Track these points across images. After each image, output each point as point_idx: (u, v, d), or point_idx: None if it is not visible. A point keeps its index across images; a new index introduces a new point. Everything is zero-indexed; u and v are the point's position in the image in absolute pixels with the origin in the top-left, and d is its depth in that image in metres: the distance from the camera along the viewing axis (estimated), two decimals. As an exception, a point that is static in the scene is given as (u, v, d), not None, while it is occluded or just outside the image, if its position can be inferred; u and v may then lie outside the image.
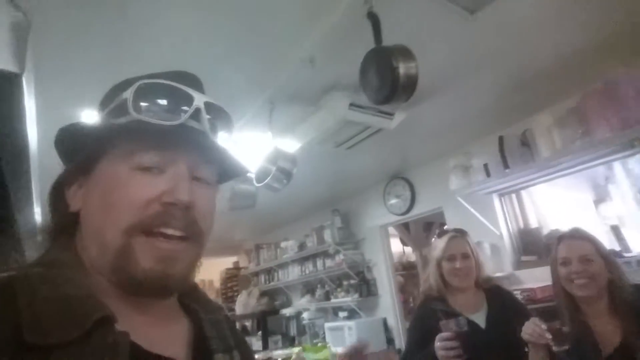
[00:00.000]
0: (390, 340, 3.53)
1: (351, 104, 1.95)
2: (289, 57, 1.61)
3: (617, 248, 2.22)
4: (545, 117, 2.17)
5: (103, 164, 0.49)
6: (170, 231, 0.46)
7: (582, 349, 1.21)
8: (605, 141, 1.97)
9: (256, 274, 5.60)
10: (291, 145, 2.22)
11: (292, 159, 1.85)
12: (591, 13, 1.62)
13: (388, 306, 3.70)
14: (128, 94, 0.48)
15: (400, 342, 3.46)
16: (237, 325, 5.52)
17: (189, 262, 0.49)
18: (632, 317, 1.21)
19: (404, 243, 5.46)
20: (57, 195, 0.52)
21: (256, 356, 4.06)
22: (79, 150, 0.50)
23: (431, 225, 4.85)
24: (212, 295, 7.35)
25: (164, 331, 0.50)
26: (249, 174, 1.97)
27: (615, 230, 2.29)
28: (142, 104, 0.48)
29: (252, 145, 2.09)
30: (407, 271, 5.17)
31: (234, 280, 6.24)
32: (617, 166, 2.54)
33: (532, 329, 1.24)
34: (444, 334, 1.36)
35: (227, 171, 0.56)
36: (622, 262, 2.02)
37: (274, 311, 5.06)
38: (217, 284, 6.99)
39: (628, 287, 1.27)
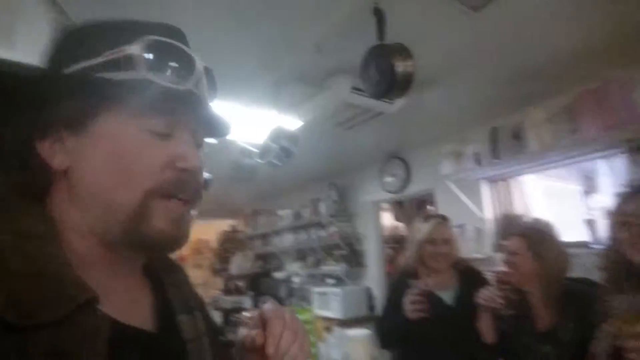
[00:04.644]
0: (372, 308, 3.78)
1: (353, 88, 2.03)
2: (298, 41, 1.68)
3: (590, 239, 2.39)
4: (538, 112, 2.25)
5: (103, 121, 0.45)
6: (184, 196, 0.47)
7: (522, 322, 1.43)
8: (593, 140, 2.07)
9: (252, 238, 5.83)
10: (294, 123, 2.31)
11: (294, 138, 1.96)
12: (590, 16, 1.67)
13: (374, 277, 3.93)
14: (136, 50, 0.44)
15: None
16: (231, 285, 5.83)
17: (190, 222, 0.50)
18: (563, 303, 1.38)
19: (396, 218, 5.66)
20: (25, 149, 0.45)
21: (246, 313, 4.35)
22: (61, 100, 0.44)
23: (424, 203, 5.00)
24: (208, 255, 7.64)
25: (133, 297, 0.50)
26: (252, 149, 2.08)
27: (590, 223, 2.44)
28: (152, 63, 0.44)
29: (257, 121, 2.18)
30: (398, 244, 5.39)
31: (230, 242, 6.48)
32: (603, 163, 2.66)
33: (487, 295, 1.45)
34: (412, 290, 1.57)
35: (212, 133, 0.55)
36: (588, 253, 2.21)
37: (267, 274, 5.32)
38: (213, 244, 7.25)
39: (559, 278, 1.43)
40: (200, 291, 0.62)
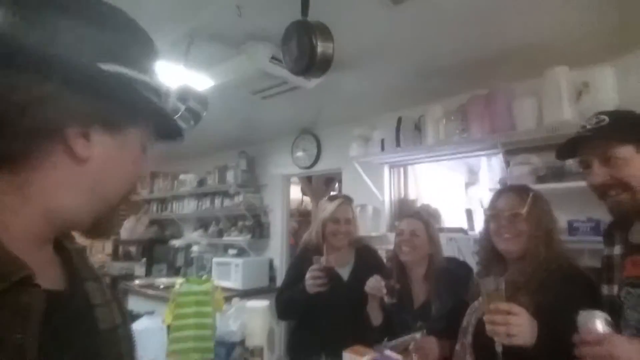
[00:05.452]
0: (272, 278, 3.87)
1: (273, 57, 1.96)
2: (217, -3, 1.54)
3: (466, 227, 2.74)
4: (437, 108, 2.47)
5: (131, 130, 0.52)
6: None
7: (402, 302, 1.58)
8: (477, 140, 2.35)
9: (148, 202, 5.42)
10: (205, 82, 2.15)
11: (204, 100, 1.82)
12: (491, 26, 1.84)
13: (277, 249, 3.99)
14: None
15: (282, 280, 3.81)
16: (121, 249, 5.38)
17: None
18: (436, 282, 1.59)
19: (304, 193, 5.78)
20: (50, 128, 0.44)
21: (137, 281, 4.11)
22: (105, 97, 0.46)
23: (331, 180, 5.19)
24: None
25: (53, 266, 0.53)
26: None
27: (468, 213, 2.80)
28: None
29: (162, 75, 1.98)
30: (302, 218, 5.55)
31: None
32: (484, 160, 3.05)
33: (373, 284, 1.56)
34: (313, 266, 1.64)
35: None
36: (465, 239, 2.55)
37: (163, 240, 5.03)
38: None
39: (441, 260, 1.63)
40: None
